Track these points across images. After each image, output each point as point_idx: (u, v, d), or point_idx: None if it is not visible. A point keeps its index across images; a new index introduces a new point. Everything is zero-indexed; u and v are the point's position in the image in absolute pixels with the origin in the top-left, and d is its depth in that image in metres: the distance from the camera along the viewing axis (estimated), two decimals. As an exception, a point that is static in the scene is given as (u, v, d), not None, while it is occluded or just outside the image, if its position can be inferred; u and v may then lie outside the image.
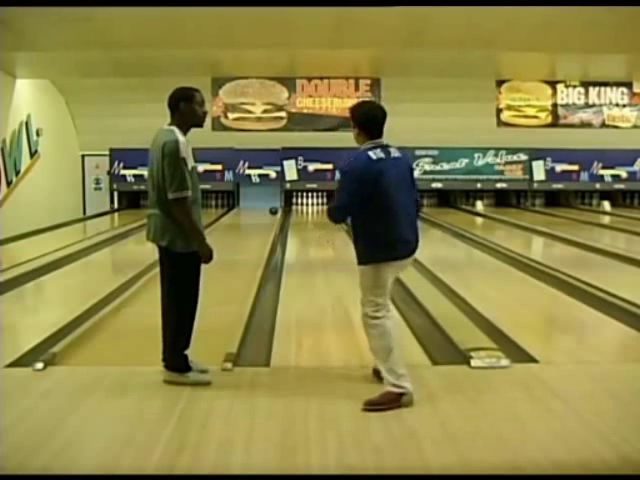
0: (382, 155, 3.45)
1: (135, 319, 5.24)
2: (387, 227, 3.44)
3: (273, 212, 14.22)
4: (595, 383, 3.75)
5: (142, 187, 14.38)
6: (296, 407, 3.38)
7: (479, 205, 15.84)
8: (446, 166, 15.75)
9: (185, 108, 3.67)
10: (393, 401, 3.32)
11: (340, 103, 15.55)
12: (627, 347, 4.74)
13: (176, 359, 3.67)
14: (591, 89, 16.09)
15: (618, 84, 15.96)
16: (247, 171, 15.56)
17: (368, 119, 3.51)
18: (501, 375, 3.82)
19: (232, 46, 10.65)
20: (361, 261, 3.52)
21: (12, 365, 4.02)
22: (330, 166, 15.15)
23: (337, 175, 13.92)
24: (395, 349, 3.40)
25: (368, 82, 15.49)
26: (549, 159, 15.88)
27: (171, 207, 3.57)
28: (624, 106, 16.14)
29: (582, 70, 15.04)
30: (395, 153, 3.53)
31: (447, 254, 9.22)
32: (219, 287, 5.61)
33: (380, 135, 3.51)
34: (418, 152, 15.60)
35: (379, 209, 3.42)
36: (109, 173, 15.44)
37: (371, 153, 3.44)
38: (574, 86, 16.05)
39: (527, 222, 12.01)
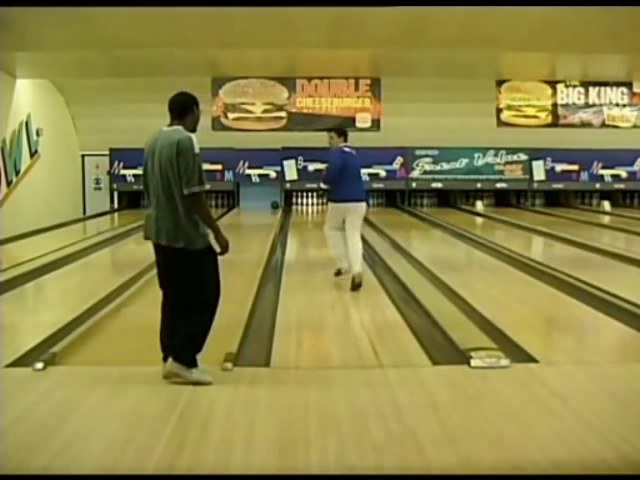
0: (347, 149, 6.45)
1: (135, 319, 5.24)
2: (339, 184, 6.32)
3: (274, 206, 14.19)
4: (595, 383, 3.75)
5: (142, 187, 14.33)
6: (296, 407, 3.38)
7: (479, 205, 15.83)
8: (446, 166, 15.74)
9: (197, 113, 3.79)
10: (337, 272, 6.58)
11: (340, 103, 15.56)
12: (627, 347, 4.74)
13: (189, 354, 3.65)
14: (591, 89, 16.08)
15: (618, 84, 15.95)
16: (247, 171, 15.55)
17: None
18: (501, 375, 3.82)
19: (232, 46, 10.64)
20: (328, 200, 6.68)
21: (12, 365, 4.01)
22: (330, 166, 15.16)
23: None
24: (339, 249, 6.46)
25: (368, 82, 15.48)
26: (549, 159, 15.88)
27: (188, 202, 3.58)
28: (624, 106, 16.14)
29: (582, 70, 15.02)
30: (352, 151, 6.48)
31: (447, 254, 9.22)
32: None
33: (346, 140, 6.54)
34: (418, 152, 15.62)
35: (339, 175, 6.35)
36: (109, 173, 15.44)
37: (344, 148, 6.43)
38: (574, 86, 16.05)
39: (527, 222, 12.00)
